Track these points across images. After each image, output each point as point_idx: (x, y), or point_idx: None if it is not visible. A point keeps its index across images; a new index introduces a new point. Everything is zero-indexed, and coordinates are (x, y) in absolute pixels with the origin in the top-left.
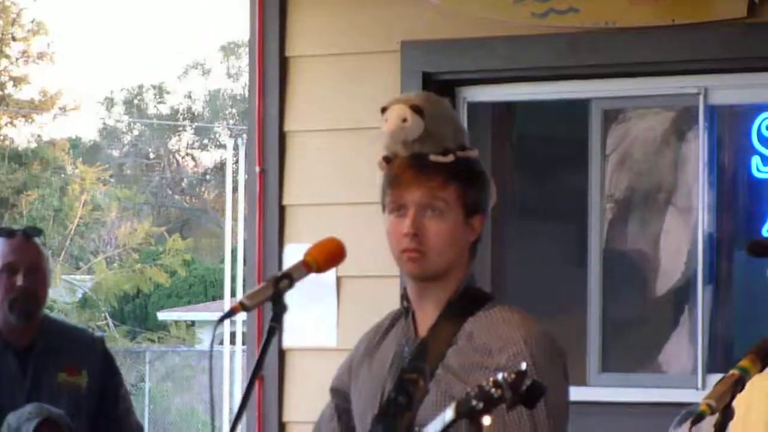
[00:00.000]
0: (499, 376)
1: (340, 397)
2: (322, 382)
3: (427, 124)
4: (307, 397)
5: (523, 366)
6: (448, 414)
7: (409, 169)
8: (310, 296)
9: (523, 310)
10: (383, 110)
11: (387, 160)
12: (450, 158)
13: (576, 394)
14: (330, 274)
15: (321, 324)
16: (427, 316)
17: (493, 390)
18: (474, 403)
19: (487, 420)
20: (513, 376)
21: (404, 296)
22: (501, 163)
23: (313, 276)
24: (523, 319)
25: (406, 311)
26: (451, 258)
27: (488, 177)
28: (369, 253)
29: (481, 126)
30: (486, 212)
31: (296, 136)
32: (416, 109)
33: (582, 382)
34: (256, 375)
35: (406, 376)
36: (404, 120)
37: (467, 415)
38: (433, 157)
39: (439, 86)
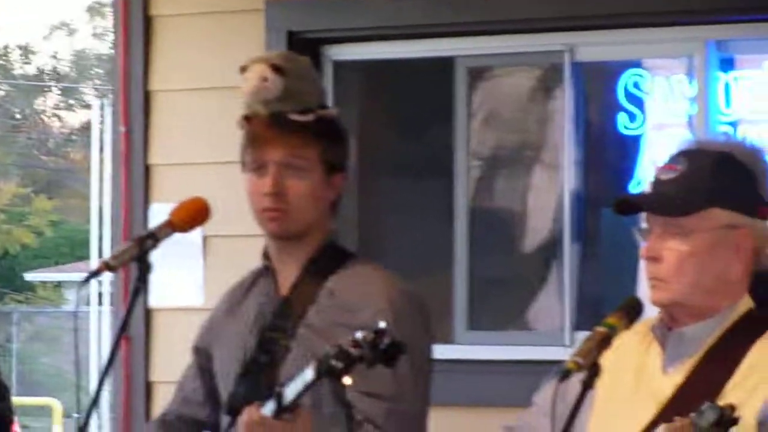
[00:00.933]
0: (358, 335)
1: (202, 356)
2: (189, 341)
3: (287, 83)
4: (173, 357)
5: (382, 324)
6: (308, 374)
7: (269, 128)
8: (176, 255)
9: (386, 267)
10: (243, 69)
11: (247, 119)
12: (310, 117)
13: (443, 351)
14: (196, 234)
15: (187, 283)
16: (288, 275)
17: (352, 349)
18: (334, 362)
19: (347, 380)
20: (372, 334)
21: (265, 255)
22: (368, 122)
23: (178, 235)
24: (385, 276)
25: (267, 269)
26: (312, 216)
27: (348, 135)
28: (235, 213)
29: (347, 84)
30: (346, 170)
31: (161, 96)
32: (276, 68)
33: (449, 339)
34: (121, 335)
35: (268, 335)
36: (264, 79)
37: (327, 374)
38: (293, 116)
39: (305, 45)
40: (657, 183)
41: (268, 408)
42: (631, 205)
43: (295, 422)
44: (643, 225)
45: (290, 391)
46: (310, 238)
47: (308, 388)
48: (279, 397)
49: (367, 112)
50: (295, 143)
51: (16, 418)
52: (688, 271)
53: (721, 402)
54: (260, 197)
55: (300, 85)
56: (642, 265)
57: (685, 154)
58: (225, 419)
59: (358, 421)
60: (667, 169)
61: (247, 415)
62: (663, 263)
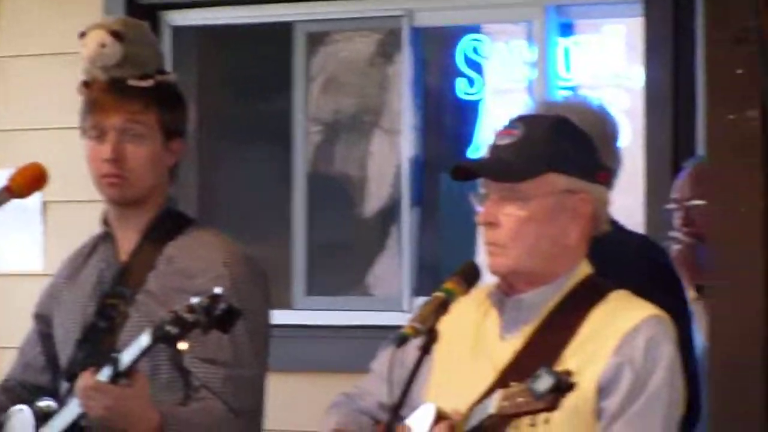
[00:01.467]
0: (193, 300)
1: (43, 322)
2: (29, 307)
3: (125, 48)
4: (14, 322)
5: (218, 290)
6: (144, 339)
7: (108, 93)
8: (15, 221)
9: (225, 233)
10: (82, 35)
11: (86, 85)
12: (149, 82)
13: (282, 317)
14: (35, 199)
15: (27, 249)
16: (127, 241)
17: (187, 315)
18: (169, 328)
19: (183, 345)
20: (207, 300)
21: (104, 221)
22: (207, 87)
23: (17, 201)
24: (223, 242)
25: (106, 235)
26: (151, 182)
27: (187, 101)
28: (75, 178)
29: (186, 50)
30: (185, 136)
31: (0, 62)
32: (115, 34)
33: (287, 305)
34: None
35: (107, 301)
36: (102, 45)
37: (163, 340)
38: (132, 82)
39: (142, 11)
40: (494, 148)
41: (105, 374)
42: (468, 171)
43: (131, 387)
44: (481, 191)
45: (126, 357)
46: (149, 204)
47: (144, 353)
48: (115, 363)
49: (206, 78)
50: (134, 109)
51: None
52: (526, 236)
53: (559, 368)
54: (99, 163)
55: (138, 50)
56: (480, 230)
57: (522, 119)
58: (64, 385)
59: (196, 387)
60: (504, 135)
61: (82, 380)
62: (501, 228)
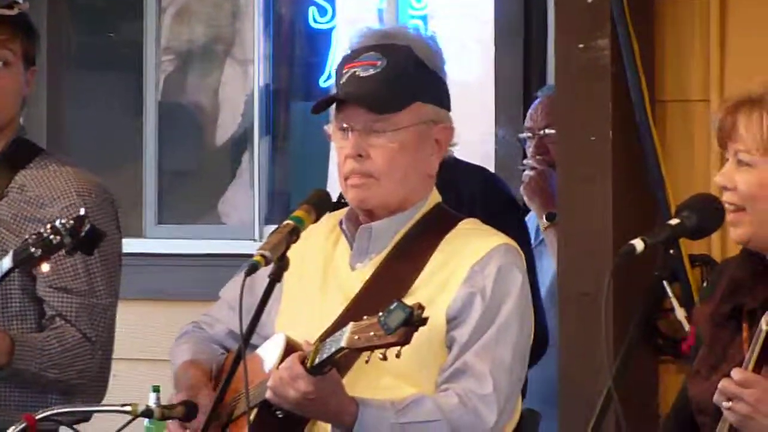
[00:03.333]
0: (57, 222)
1: None
2: None
3: None
4: None
5: (82, 211)
6: (5, 262)
7: None
8: None
9: (75, 162)
10: None
11: None
12: (14, 11)
13: (133, 246)
14: None
15: None
16: None
17: (51, 236)
18: (32, 250)
19: (45, 267)
20: (71, 222)
21: None
22: (57, 16)
23: None
24: (75, 171)
25: None
26: (13, 111)
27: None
28: None
29: None
30: (35, 66)
31: None
32: None
33: (139, 234)
34: None
35: None
36: None
37: (26, 262)
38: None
39: None
40: (357, 80)
41: None
42: (329, 103)
43: None
44: (344, 124)
45: None
46: (3, 132)
47: (4, 276)
48: None
49: (57, 7)
50: (3, 38)
51: None
52: (398, 167)
53: (410, 299)
54: None
55: None
56: (334, 160)
57: (378, 49)
58: None
59: (50, 316)
60: (364, 65)
61: None
62: (371, 161)
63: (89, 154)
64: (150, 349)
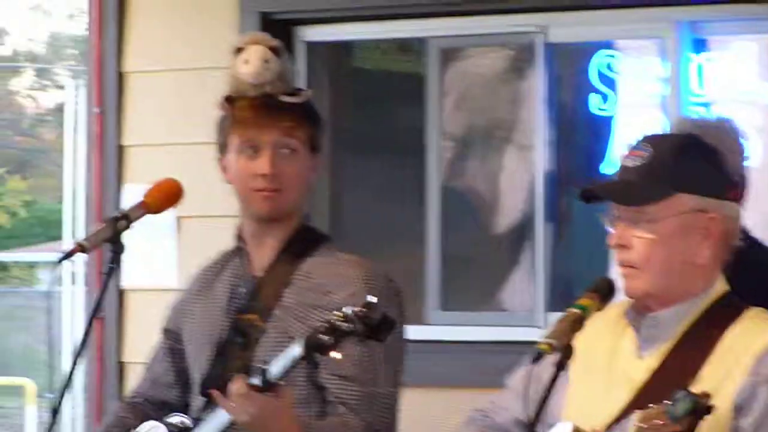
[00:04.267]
0: (348, 310)
1: (172, 337)
2: (162, 322)
3: (282, 65)
4: (146, 338)
5: (373, 299)
6: (296, 350)
7: (261, 109)
8: (150, 237)
9: (358, 248)
10: (239, 50)
11: (229, 100)
12: (301, 99)
13: (415, 333)
14: (169, 215)
15: (160, 264)
16: (263, 256)
17: (343, 324)
18: (323, 337)
19: (336, 355)
20: (363, 309)
21: (239, 236)
22: (339, 101)
23: (152, 217)
24: (359, 259)
25: (240, 251)
26: (301, 198)
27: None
28: (208, 194)
29: (318, 64)
30: (321, 152)
31: (134, 77)
32: (275, 50)
33: (421, 320)
34: (94, 316)
35: (242, 317)
36: (266, 61)
37: (317, 349)
38: (284, 98)
39: (277, 26)
40: (622, 170)
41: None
42: (592, 195)
43: (277, 398)
44: (613, 212)
45: (275, 368)
46: (290, 220)
47: (296, 363)
48: (263, 374)
49: (339, 93)
50: (289, 125)
51: None
52: (656, 258)
53: (696, 388)
54: (252, 178)
55: (288, 67)
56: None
57: (649, 140)
58: (197, 400)
59: (332, 404)
60: (632, 156)
61: (234, 385)
62: (632, 251)
63: (372, 239)
64: None
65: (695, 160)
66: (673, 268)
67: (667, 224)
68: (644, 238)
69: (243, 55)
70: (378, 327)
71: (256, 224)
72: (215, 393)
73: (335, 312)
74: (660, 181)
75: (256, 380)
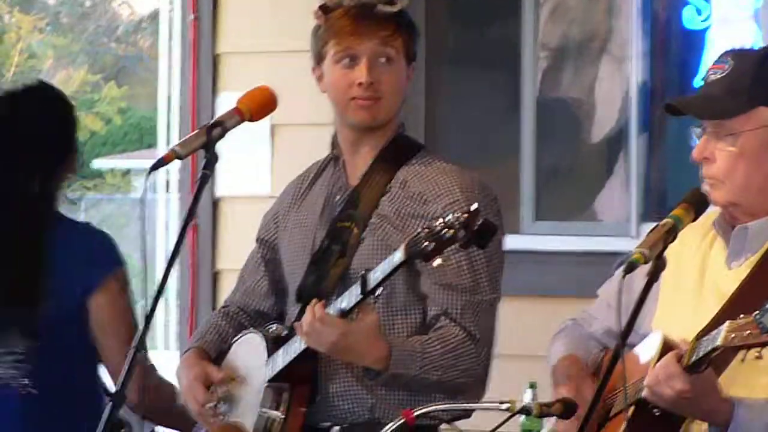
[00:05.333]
0: (450, 216)
1: (267, 246)
2: (256, 230)
3: None
4: (240, 245)
5: (475, 206)
6: (398, 256)
7: (358, 19)
8: (244, 144)
9: (453, 158)
10: None
11: (325, 9)
12: (397, 8)
13: (510, 242)
14: (264, 123)
15: (255, 172)
16: (359, 165)
17: (444, 231)
18: (425, 243)
19: (437, 261)
20: (465, 215)
21: (334, 144)
22: (434, 12)
23: (247, 124)
24: (457, 168)
25: (336, 159)
26: (398, 106)
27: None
28: (302, 101)
29: None
30: (414, 62)
31: None
32: None
33: (516, 230)
34: (188, 223)
35: (339, 224)
36: None
37: (418, 255)
38: (381, 7)
39: None
40: (706, 83)
41: (350, 296)
42: (676, 109)
43: (361, 321)
44: (701, 126)
45: (376, 273)
46: (386, 128)
47: (396, 270)
48: (364, 282)
49: (434, 4)
50: (386, 34)
51: None
52: (738, 172)
53: None
54: (350, 87)
55: None
56: None
57: (731, 54)
58: (293, 308)
59: (435, 315)
60: (714, 69)
61: (309, 312)
62: (714, 164)
63: (466, 150)
64: (527, 345)
65: None
66: (754, 182)
67: (748, 138)
68: (725, 151)
69: None
70: (480, 233)
71: (352, 133)
72: (295, 324)
73: (439, 219)
74: (740, 94)
75: (356, 289)
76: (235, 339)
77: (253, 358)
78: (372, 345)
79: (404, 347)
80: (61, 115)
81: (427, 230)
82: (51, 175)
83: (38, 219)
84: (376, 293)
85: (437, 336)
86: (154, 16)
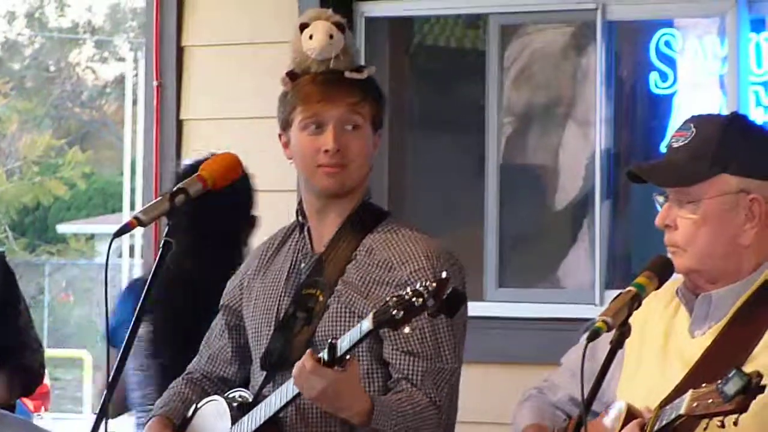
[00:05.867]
0: (418, 284)
1: (231, 313)
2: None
3: (346, 40)
4: None
5: (444, 274)
6: (365, 324)
7: (326, 85)
8: None
9: (417, 223)
10: (303, 26)
11: (293, 76)
12: (364, 75)
13: (473, 309)
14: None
15: None
16: (324, 232)
17: (414, 299)
18: (394, 312)
19: (406, 329)
20: (434, 284)
21: (300, 211)
22: (399, 77)
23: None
24: (422, 236)
25: (301, 226)
26: (365, 173)
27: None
28: (266, 168)
29: (378, 40)
30: (381, 128)
31: (194, 51)
32: (339, 26)
33: (479, 297)
34: (149, 293)
35: (305, 291)
36: (331, 36)
37: (387, 324)
38: (348, 74)
39: (337, 1)
40: (669, 150)
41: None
42: (636, 176)
43: (345, 372)
44: (660, 194)
45: (345, 342)
46: (352, 196)
47: (365, 337)
48: (332, 349)
49: (399, 69)
50: (353, 100)
51: (46, 371)
52: (699, 239)
53: (749, 367)
54: (316, 154)
55: (351, 43)
56: None
57: (695, 120)
58: (258, 375)
59: (396, 379)
60: (677, 137)
61: (302, 362)
62: (676, 231)
63: (430, 215)
64: (490, 412)
65: (739, 140)
66: (717, 249)
67: (710, 205)
68: (687, 218)
69: (308, 30)
70: (449, 302)
71: (318, 200)
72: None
73: (408, 287)
74: (702, 161)
75: (324, 355)
76: (199, 405)
77: (217, 425)
78: (356, 396)
79: (384, 403)
80: None
81: (395, 298)
82: None
83: None
84: (343, 362)
85: (406, 397)
86: (119, 82)
